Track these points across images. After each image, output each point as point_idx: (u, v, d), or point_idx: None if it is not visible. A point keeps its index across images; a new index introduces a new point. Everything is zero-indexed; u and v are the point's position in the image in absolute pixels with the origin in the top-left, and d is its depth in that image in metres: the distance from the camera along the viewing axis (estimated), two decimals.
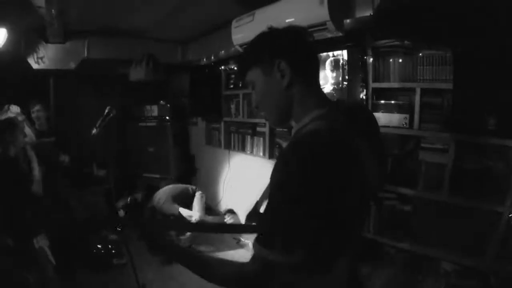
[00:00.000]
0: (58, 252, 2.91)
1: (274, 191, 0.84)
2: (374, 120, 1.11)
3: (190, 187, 4.26)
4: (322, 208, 0.81)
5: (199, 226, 2.68)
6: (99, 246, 3.60)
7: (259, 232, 0.87)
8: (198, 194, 4.12)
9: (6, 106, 3.28)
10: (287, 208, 0.81)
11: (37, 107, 3.48)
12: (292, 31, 1.01)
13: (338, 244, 0.91)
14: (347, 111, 1.00)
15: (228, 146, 4.43)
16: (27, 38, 3.62)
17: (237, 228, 2.50)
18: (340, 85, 2.72)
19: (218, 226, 2.94)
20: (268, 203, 0.85)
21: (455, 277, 2.31)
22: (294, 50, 0.97)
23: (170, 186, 4.25)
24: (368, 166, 0.94)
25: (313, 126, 0.90)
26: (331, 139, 0.86)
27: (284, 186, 0.82)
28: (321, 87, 1.06)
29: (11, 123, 2.93)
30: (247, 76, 1.03)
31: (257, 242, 0.84)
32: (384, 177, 1.22)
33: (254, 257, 0.85)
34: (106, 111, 2.13)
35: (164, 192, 4.06)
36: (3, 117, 3.05)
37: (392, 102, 2.57)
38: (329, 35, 2.38)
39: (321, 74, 2.83)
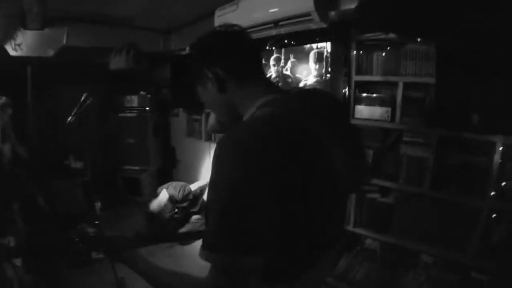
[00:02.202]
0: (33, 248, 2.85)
1: (209, 187, 0.77)
2: (340, 108, 1.09)
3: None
4: (266, 200, 0.73)
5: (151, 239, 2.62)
6: (76, 240, 3.52)
7: (204, 236, 0.78)
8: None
9: None
10: (225, 204, 0.73)
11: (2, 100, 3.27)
12: (211, 36, 1.01)
13: (304, 244, 0.84)
14: (302, 97, 0.97)
15: (209, 138, 4.38)
16: (4, 23, 3.48)
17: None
18: (323, 77, 2.71)
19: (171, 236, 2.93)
20: (207, 200, 0.78)
21: (436, 269, 2.35)
22: (215, 54, 0.97)
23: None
24: (334, 156, 0.88)
25: (258, 113, 0.87)
26: (275, 125, 0.79)
27: (218, 182, 0.75)
28: (265, 76, 1.05)
29: None
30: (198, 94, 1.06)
31: (202, 248, 0.76)
32: (363, 169, 1.17)
33: (211, 269, 0.76)
34: (83, 98, 2.05)
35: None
36: None
37: (375, 95, 2.58)
38: (314, 26, 2.37)
39: (304, 66, 2.82)
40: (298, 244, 0.83)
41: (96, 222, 3.21)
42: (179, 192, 4.00)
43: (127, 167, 5.11)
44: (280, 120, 0.82)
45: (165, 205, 4.00)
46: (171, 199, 4.04)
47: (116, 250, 1.13)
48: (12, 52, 3.54)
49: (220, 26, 1.01)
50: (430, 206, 2.35)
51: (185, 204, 4.04)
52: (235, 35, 0.99)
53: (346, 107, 2.52)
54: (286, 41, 2.93)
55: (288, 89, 1.03)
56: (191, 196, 4.03)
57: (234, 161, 0.74)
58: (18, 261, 2.60)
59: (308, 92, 1.06)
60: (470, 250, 2.15)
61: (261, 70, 1.02)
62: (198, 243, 0.78)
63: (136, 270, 1.03)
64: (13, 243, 2.70)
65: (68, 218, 3.92)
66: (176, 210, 3.99)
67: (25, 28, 3.56)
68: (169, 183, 4.28)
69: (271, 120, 0.81)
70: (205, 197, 4.20)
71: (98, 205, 3.50)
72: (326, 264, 1.00)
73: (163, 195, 4.07)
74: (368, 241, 2.76)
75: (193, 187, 4.07)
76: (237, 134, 0.78)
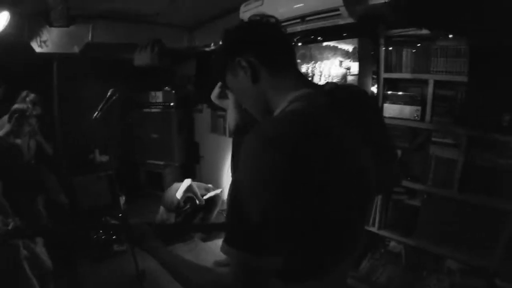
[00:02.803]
0: (58, 244, 2.91)
1: (234, 182, 0.77)
2: (373, 107, 1.04)
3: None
4: (289, 199, 0.71)
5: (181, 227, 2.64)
6: (100, 232, 3.60)
7: (226, 231, 0.78)
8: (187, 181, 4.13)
9: (24, 93, 3.23)
10: (249, 200, 0.72)
11: (31, 97, 3.30)
12: (245, 25, 1.00)
13: (327, 246, 0.83)
14: (334, 94, 0.93)
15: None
16: (30, 21, 3.56)
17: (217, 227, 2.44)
18: (350, 75, 2.65)
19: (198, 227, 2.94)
20: (229, 195, 0.77)
21: (460, 276, 2.29)
22: (250, 42, 0.95)
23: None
24: (363, 157, 0.85)
25: (289, 109, 0.85)
26: (304, 123, 0.77)
27: (243, 178, 0.74)
28: (298, 69, 1.01)
29: (17, 112, 2.92)
30: (227, 84, 1.03)
31: (225, 242, 0.75)
32: (393, 172, 1.13)
33: (231, 265, 0.76)
34: (109, 93, 2.08)
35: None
36: (20, 105, 3.01)
37: (403, 93, 2.50)
38: (341, 22, 2.31)
39: (331, 62, 2.77)
40: (319, 245, 0.81)
41: (120, 215, 3.26)
42: (170, 205, 4.03)
43: (151, 161, 5.18)
44: (309, 118, 0.79)
45: (168, 217, 4.04)
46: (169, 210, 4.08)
47: (138, 237, 1.13)
48: (37, 49, 3.63)
49: (255, 15, 0.99)
50: (458, 209, 2.27)
51: (185, 209, 4.06)
52: (271, 25, 0.98)
53: (378, 106, 2.46)
54: (312, 37, 2.88)
55: (321, 85, 1.00)
56: (182, 204, 4.04)
57: (261, 158, 0.72)
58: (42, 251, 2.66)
59: (341, 88, 1.01)
60: (496, 256, 2.07)
61: (294, 63, 1.00)
62: (219, 240, 0.78)
63: (158, 259, 1.03)
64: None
65: (91, 213, 4.01)
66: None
67: (51, 25, 3.63)
68: (166, 191, 4.32)
69: (300, 118, 0.79)
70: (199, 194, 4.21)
71: (122, 199, 3.57)
72: (346, 267, 0.99)
73: (162, 210, 4.12)
74: (392, 243, 2.71)
75: (179, 195, 4.07)
76: (266, 131, 0.76)
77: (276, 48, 0.95)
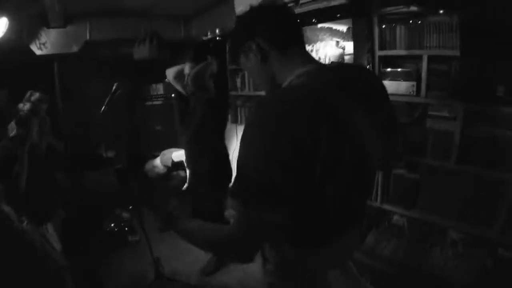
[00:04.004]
0: (70, 234, 2.97)
1: (242, 144, 0.83)
2: (377, 84, 1.09)
3: None
4: (289, 162, 0.77)
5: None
6: (112, 224, 3.68)
7: (232, 185, 0.85)
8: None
9: (28, 93, 3.26)
10: (252, 162, 0.80)
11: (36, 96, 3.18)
12: (255, 10, 1.06)
13: (328, 214, 0.88)
14: (337, 70, 1.00)
15: (235, 121, 4.36)
16: (28, 25, 3.59)
17: None
18: (345, 53, 2.68)
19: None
20: (238, 155, 0.84)
21: (463, 246, 2.34)
22: (259, 28, 1.01)
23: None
24: (364, 130, 0.89)
25: (293, 83, 0.93)
26: (306, 95, 0.83)
27: (249, 141, 0.81)
28: (305, 48, 1.07)
29: (26, 120, 2.93)
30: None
31: (231, 196, 0.83)
32: (395, 146, 1.18)
33: (235, 217, 0.84)
34: (114, 87, 2.13)
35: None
36: (26, 106, 3.03)
37: (399, 69, 2.53)
38: (334, 3, 2.33)
39: (325, 44, 2.79)
40: (320, 213, 0.86)
41: (130, 207, 3.31)
42: (162, 161, 3.95)
43: (156, 153, 5.23)
44: (313, 91, 0.85)
45: (155, 165, 3.96)
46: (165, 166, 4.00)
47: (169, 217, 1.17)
48: (37, 52, 3.67)
49: (263, 0, 1.06)
50: (457, 180, 2.31)
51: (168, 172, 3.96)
52: (277, 9, 1.04)
53: (384, 85, 2.50)
54: (307, 19, 2.90)
55: (327, 63, 1.06)
56: (171, 165, 3.95)
57: (264, 127, 0.79)
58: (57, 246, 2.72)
59: (344, 66, 1.09)
60: (496, 226, 2.11)
61: (301, 42, 1.06)
62: None
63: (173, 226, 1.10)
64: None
65: (102, 207, 4.07)
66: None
67: (48, 27, 3.67)
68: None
69: (304, 92, 0.85)
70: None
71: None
72: (351, 241, 1.04)
73: (156, 161, 4.05)
74: (396, 217, 2.75)
75: (175, 157, 3.97)
76: (270, 102, 0.84)
77: (284, 30, 1.02)
